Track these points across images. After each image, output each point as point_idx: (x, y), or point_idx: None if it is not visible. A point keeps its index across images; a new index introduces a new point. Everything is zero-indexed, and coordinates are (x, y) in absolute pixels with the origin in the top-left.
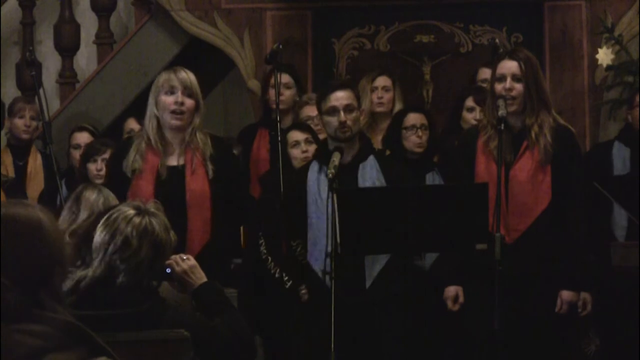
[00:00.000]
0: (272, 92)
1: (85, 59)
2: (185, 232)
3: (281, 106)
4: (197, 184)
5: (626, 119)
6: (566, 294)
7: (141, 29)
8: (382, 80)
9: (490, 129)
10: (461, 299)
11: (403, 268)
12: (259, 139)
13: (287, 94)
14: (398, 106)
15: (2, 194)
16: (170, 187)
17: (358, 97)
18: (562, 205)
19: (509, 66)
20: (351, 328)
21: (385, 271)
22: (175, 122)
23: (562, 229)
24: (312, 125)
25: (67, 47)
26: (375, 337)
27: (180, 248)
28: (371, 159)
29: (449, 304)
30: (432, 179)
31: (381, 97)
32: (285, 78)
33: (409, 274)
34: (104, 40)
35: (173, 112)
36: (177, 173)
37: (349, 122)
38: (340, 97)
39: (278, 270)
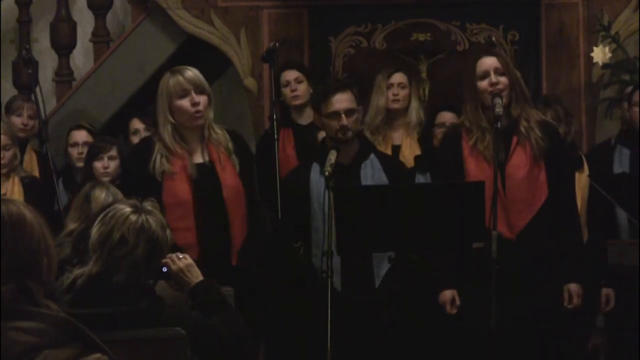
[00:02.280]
0: (286, 91)
1: (82, 57)
2: (228, 230)
3: (297, 101)
4: (231, 180)
5: (624, 118)
6: (574, 287)
7: (138, 27)
8: (399, 77)
9: (476, 131)
10: (458, 302)
11: (410, 266)
12: (282, 138)
13: (301, 88)
14: (414, 103)
15: (22, 190)
16: (205, 185)
17: (357, 96)
18: (558, 198)
19: (489, 62)
20: (360, 327)
21: (392, 269)
22: (196, 123)
23: (559, 223)
24: None
25: (64, 45)
26: (382, 335)
27: (225, 247)
28: (372, 158)
29: (447, 308)
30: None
31: (397, 94)
32: (294, 74)
33: (415, 272)
34: (100, 38)
35: (192, 113)
36: (207, 170)
37: (349, 125)
38: (341, 101)
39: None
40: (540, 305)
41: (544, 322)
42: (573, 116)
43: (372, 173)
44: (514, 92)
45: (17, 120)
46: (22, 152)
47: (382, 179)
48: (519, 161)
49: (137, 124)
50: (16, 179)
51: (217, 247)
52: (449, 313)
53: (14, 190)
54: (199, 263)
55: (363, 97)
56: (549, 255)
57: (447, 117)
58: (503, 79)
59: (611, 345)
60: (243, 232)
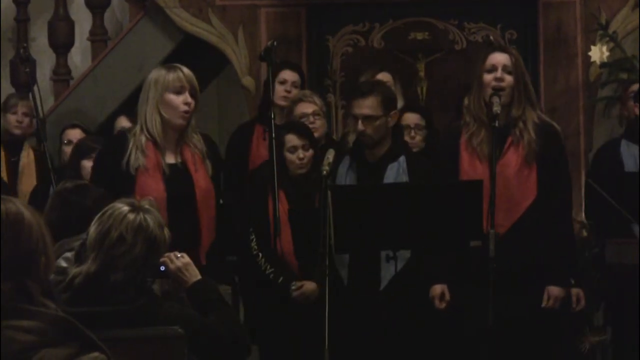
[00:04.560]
0: (279, 89)
1: (80, 56)
2: (197, 229)
3: (285, 102)
4: (203, 182)
5: (630, 115)
6: (553, 290)
7: (135, 26)
8: (383, 77)
9: (473, 125)
10: (447, 297)
11: (421, 271)
12: (257, 136)
13: (294, 92)
14: (399, 102)
15: None
16: (178, 184)
17: (387, 100)
18: (548, 201)
19: (500, 58)
20: (361, 325)
21: (401, 275)
22: (181, 122)
23: (548, 225)
24: (307, 124)
25: (62, 44)
26: (382, 334)
27: (194, 246)
28: (401, 160)
29: (436, 302)
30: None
31: None
32: (294, 76)
33: (426, 277)
34: (98, 37)
35: (181, 112)
36: (179, 170)
37: (368, 132)
38: (361, 107)
39: (268, 267)
40: (522, 305)
41: (532, 322)
42: None
43: (395, 175)
44: (516, 92)
45: (12, 118)
46: (20, 150)
47: (403, 181)
48: (509, 160)
49: (123, 121)
50: None
51: (187, 247)
52: (438, 308)
53: None
54: None
55: None
56: (532, 257)
57: (411, 118)
58: (508, 78)
59: (612, 345)
60: (212, 233)
